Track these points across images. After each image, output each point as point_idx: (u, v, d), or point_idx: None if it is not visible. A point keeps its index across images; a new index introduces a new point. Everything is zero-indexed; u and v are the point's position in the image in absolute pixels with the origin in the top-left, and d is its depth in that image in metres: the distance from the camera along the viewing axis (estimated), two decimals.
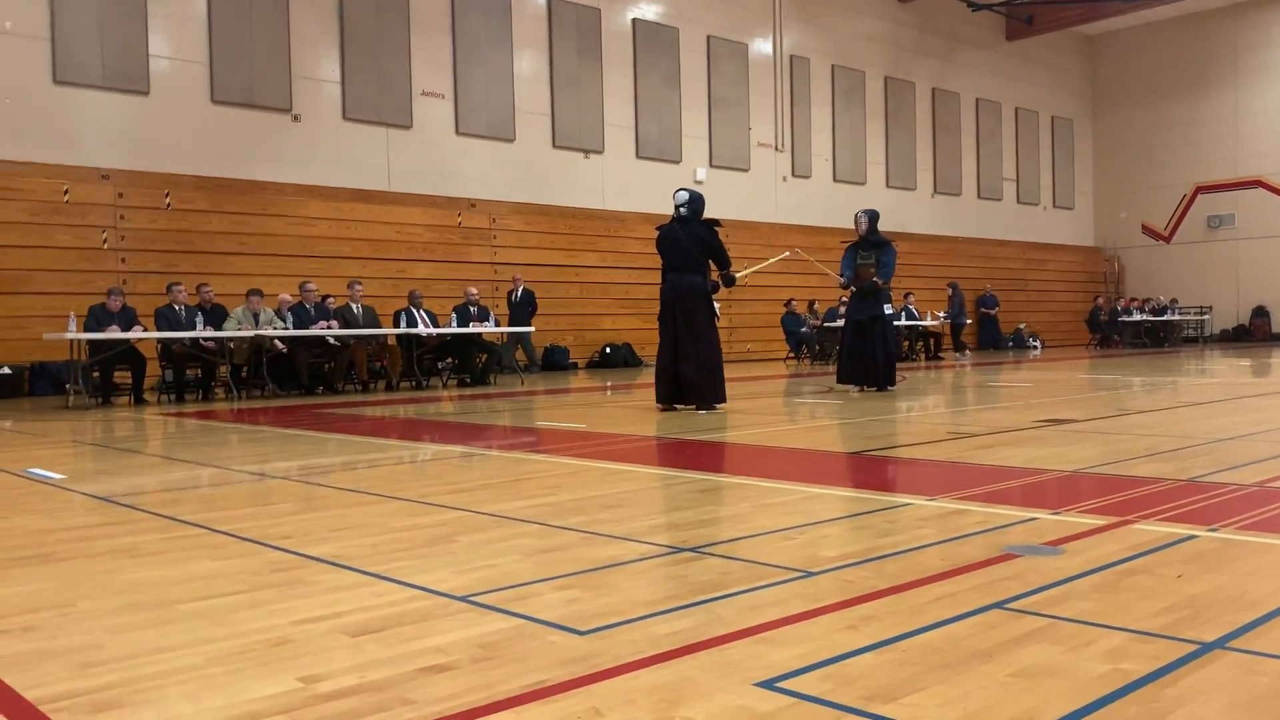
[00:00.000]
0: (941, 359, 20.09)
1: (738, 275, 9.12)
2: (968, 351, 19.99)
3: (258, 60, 14.53)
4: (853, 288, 10.38)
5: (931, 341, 20.79)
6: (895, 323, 18.75)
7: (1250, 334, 26.73)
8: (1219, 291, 27.28)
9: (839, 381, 10.51)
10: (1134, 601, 2.58)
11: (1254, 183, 26.50)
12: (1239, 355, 18.71)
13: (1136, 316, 25.50)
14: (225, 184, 14.26)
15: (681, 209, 8.62)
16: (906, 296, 20.17)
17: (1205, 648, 2.21)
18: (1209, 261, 27.39)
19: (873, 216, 10.47)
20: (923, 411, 8.91)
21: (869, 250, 10.34)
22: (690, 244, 8.53)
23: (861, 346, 10.24)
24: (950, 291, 20.44)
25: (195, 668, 2.22)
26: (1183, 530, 3.39)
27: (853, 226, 10.73)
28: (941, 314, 20.97)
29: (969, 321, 20.75)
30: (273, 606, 2.71)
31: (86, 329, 10.77)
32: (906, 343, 19.92)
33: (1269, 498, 4.01)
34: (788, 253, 11.54)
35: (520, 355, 16.02)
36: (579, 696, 1.99)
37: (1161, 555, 3.06)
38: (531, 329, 15.26)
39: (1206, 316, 27.24)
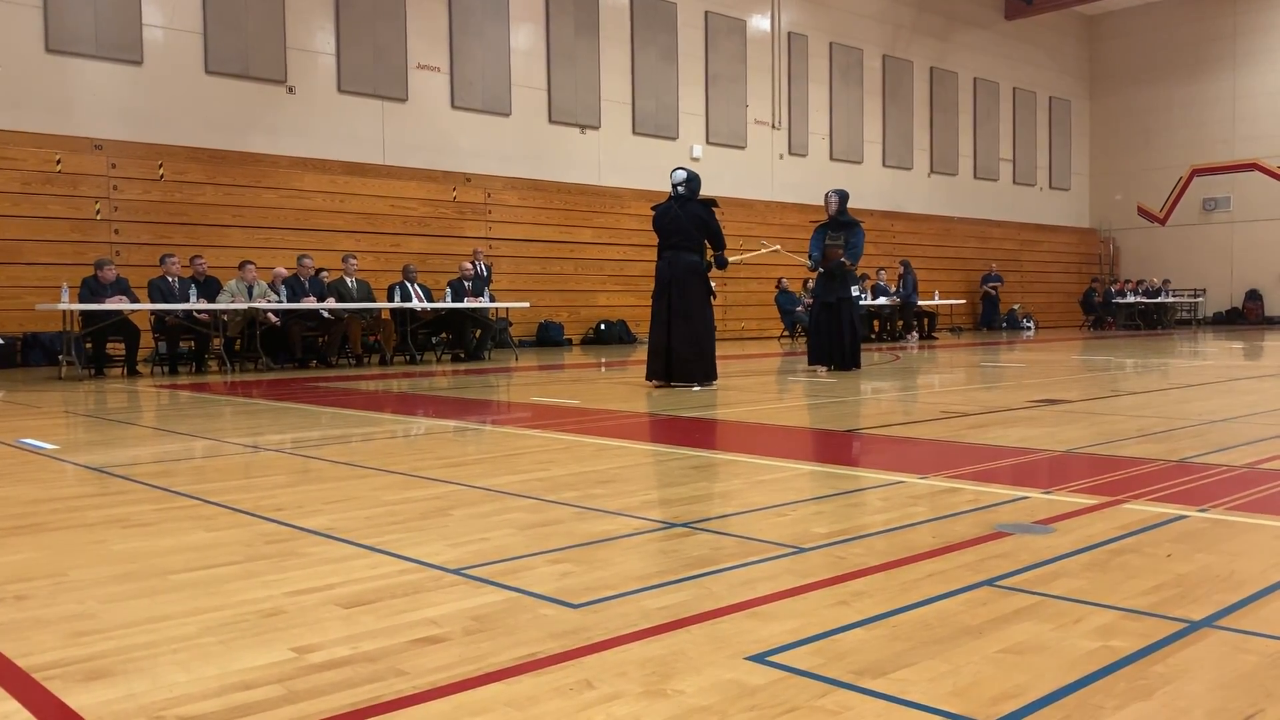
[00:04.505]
0: (935, 338, 20.12)
1: (731, 259, 9.12)
2: (914, 335, 19.83)
3: (252, 31, 14.42)
4: (820, 269, 10.37)
5: (925, 321, 20.81)
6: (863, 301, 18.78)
7: (1243, 317, 26.79)
8: (1213, 274, 27.32)
9: (810, 363, 10.51)
10: (1123, 580, 2.59)
11: (1250, 166, 26.48)
12: (1231, 338, 18.76)
13: (1130, 298, 25.52)
14: (219, 155, 14.19)
15: (679, 187, 8.61)
16: (880, 272, 20.12)
17: (1193, 626, 2.23)
18: (1204, 244, 27.41)
19: (843, 197, 10.42)
20: (915, 391, 8.93)
21: (838, 231, 10.31)
22: (688, 222, 8.53)
23: (829, 327, 10.28)
24: (901, 270, 20.21)
25: (188, 637, 2.23)
26: (1173, 510, 3.41)
27: (860, 207, 10.71)
28: (891, 290, 20.44)
29: (920, 302, 20.53)
30: (266, 577, 2.71)
31: (80, 300, 10.74)
32: (901, 322, 19.95)
33: (1259, 479, 4.03)
34: (777, 247, 11.52)
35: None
36: (571, 669, 2.00)
37: (1151, 535, 3.07)
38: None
39: (1200, 299, 27.29)
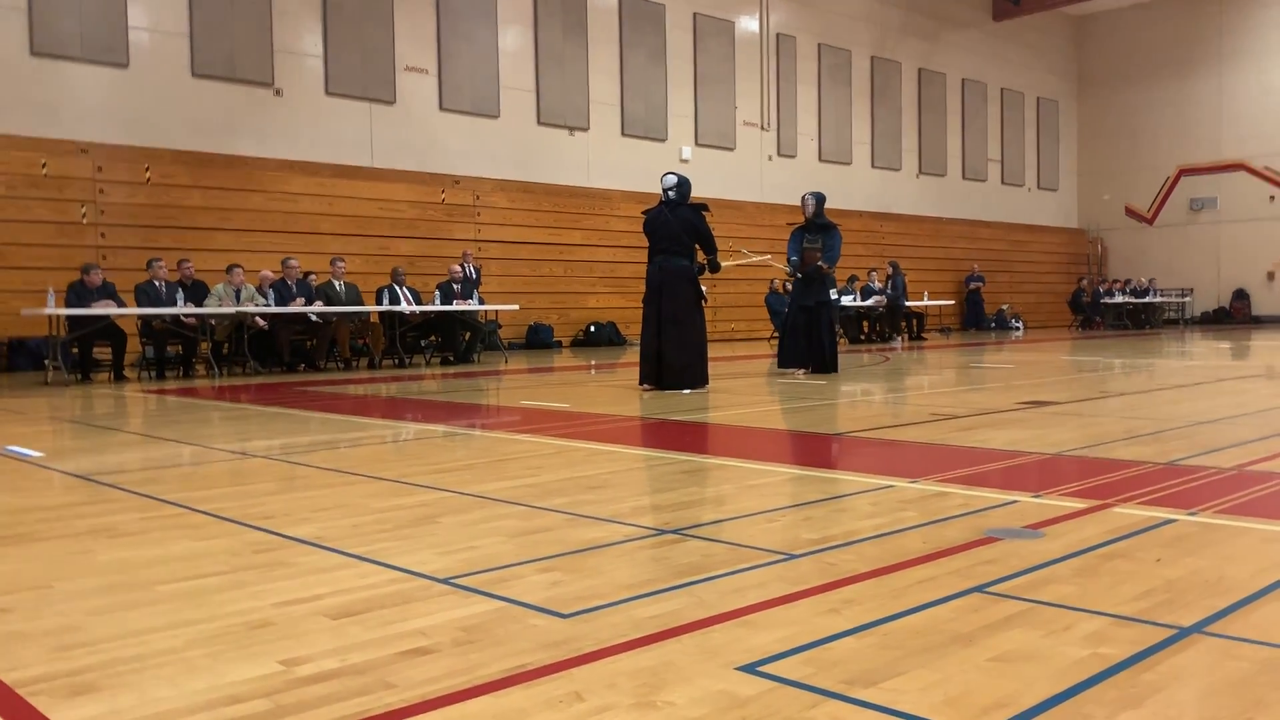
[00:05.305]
0: (924, 339, 20.16)
1: (724, 264, 9.13)
2: (899, 338, 19.77)
3: (239, 33, 14.36)
4: (798, 274, 10.33)
5: (914, 322, 20.84)
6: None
7: (1230, 316, 26.92)
8: (1200, 274, 27.45)
9: (781, 365, 10.45)
10: (1113, 585, 2.59)
11: (1237, 166, 26.61)
12: (1219, 338, 18.85)
13: (1118, 298, 25.62)
14: (206, 158, 14.13)
15: (670, 192, 8.62)
16: (871, 274, 20.14)
17: (1183, 632, 2.23)
18: (1191, 244, 27.54)
19: (819, 199, 10.38)
20: (904, 393, 8.95)
21: (815, 234, 10.28)
22: (679, 227, 8.53)
23: (807, 331, 10.25)
24: (890, 271, 20.14)
25: (175, 650, 2.21)
26: (1162, 514, 3.42)
27: (839, 208, 10.70)
28: (878, 288, 20.30)
29: (909, 303, 20.49)
30: (253, 588, 2.69)
31: (67, 305, 10.68)
32: (889, 324, 19.96)
33: (1247, 481, 4.04)
34: (768, 256, 11.54)
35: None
36: (560, 680, 1.99)
37: (1141, 539, 3.08)
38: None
39: (1188, 299, 27.42)
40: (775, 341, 18.64)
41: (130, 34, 13.46)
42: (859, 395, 8.46)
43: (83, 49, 13.08)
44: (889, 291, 19.74)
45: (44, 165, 12.83)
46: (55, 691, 1.98)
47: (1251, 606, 2.41)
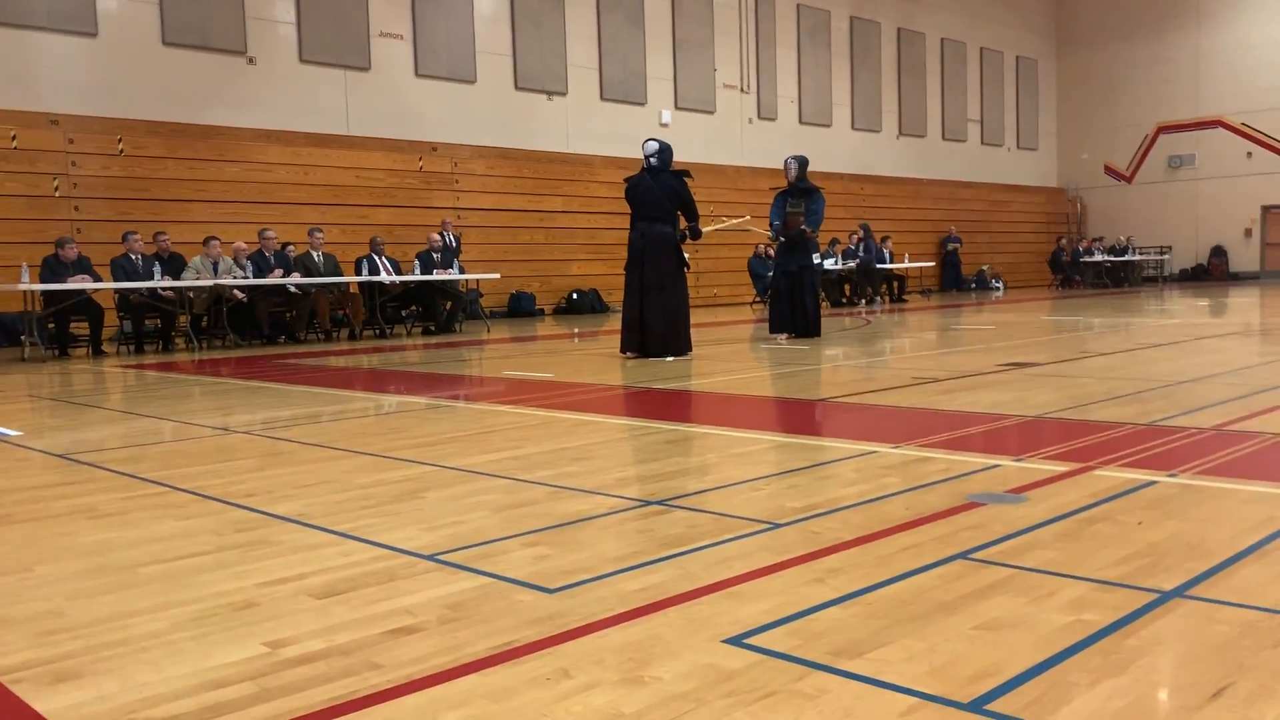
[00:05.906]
0: (905, 301, 20.19)
1: (704, 230, 9.10)
2: (878, 300, 19.71)
3: (210, 0, 14.10)
4: (781, 237, 10.32)
5: (895, 284, 20.86)
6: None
7: (1209, 273, 27.08)
8: (1179, 231, 27.55)
9: (771, 331, 10.48)
10: (1095, 550, 2.61)
11: (1214, 123, 26.64)
12: (1197, 295, 18.96)
13: (1098, 257, 25.72)
14: (180, 129, 13.92)
15: (652, 159, 8.57)
16: (851, 236, 20.07)
17: (1165, 596, 2.25)
18: (1169, 201, 27.62)
19: (802, 163, 10.36)
20: (885, 356, 8.97)
21: (798, 198, 10.26)
22: (661, 194, 8.48)
23: (791, 295, 10.26)
24: (861, 234, 20.03)
25: (159, 634, 2.19)
26: (1143, 476, 3.44)
27: (820, 170, 10.66)
28: (853, 252, 20.20)
29: (891, 265, 20.38)
30: (237, 568, 2.68)
31: (42, 279, 10.55)
32: (869, 289, 19.95)
33: (1226, 441, 4.07)
34: (746, 218, 11.49)
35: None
36: (547, 657, 1.99)
37: (1122, 502, 3.10)
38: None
39: (1166, 256, 27.53)
40: (758, 306, 18.70)
41: (98, 2, 13.20)
42: (841, 359, 8.47)
43: (50, 18, 12.82)
44: (861, 255, 19.70)
45: (13, 137, 12.61)
46: (38, 679, 1.96)
47: (1232, 569, 2.43)
